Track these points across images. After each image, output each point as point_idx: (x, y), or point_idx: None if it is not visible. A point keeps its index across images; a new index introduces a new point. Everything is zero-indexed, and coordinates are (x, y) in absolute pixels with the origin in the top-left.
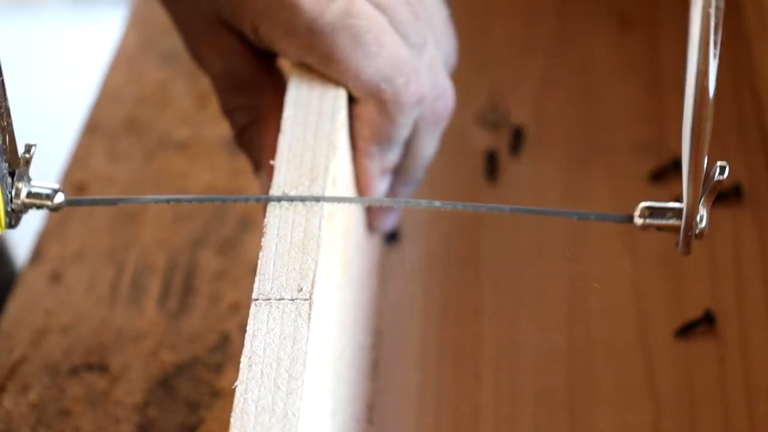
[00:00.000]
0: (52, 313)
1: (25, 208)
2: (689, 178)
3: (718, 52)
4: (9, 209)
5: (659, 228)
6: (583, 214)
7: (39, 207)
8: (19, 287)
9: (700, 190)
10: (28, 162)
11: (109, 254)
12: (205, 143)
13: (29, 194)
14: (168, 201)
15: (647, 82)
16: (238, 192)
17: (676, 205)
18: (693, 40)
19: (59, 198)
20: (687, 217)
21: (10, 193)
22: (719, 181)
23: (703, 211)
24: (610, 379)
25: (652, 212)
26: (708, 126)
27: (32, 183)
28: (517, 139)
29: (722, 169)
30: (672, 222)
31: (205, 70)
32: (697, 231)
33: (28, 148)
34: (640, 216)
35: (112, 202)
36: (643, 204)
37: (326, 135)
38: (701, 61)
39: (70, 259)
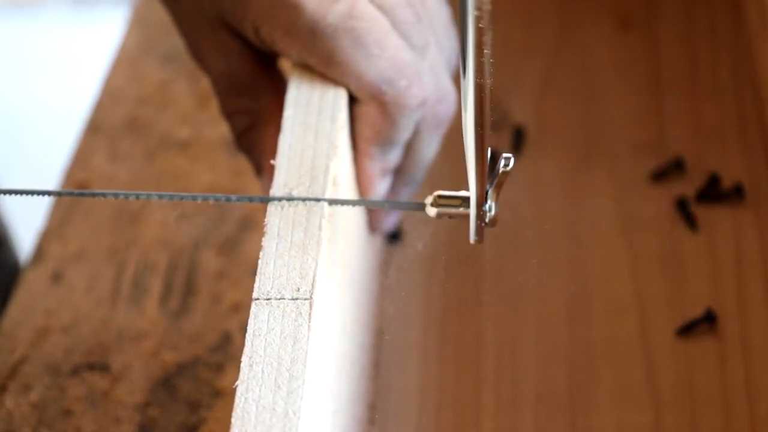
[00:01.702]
0: (53, 313)
1: None
2: (475, 169)
3: (489, 51)
4: None
5: (451, 216)
6: (379, 203)
7: None
8: (20, 287)
9: (487, 180)
10: None
11: (110, 254)
12: (206, 143)
13: None
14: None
15: (647, 82)
16: (240, 191)
17: (464, 193)
18: (468, 42)
19: None
20: (476, 206)
21: None
22: (506, 172)
23: (491, 201)
24: (611, 378)
25: (444, 201)
26: (488, 119)
27: None
28: (517, 140)
29: (507, 159)
30: (462, 211)
31: (206, 71)
32: (487, 220)
33: None
34: (433, 204)
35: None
36: (435, 193)
37: (327, 135)
38: (477, 62)
39: (71, 259)
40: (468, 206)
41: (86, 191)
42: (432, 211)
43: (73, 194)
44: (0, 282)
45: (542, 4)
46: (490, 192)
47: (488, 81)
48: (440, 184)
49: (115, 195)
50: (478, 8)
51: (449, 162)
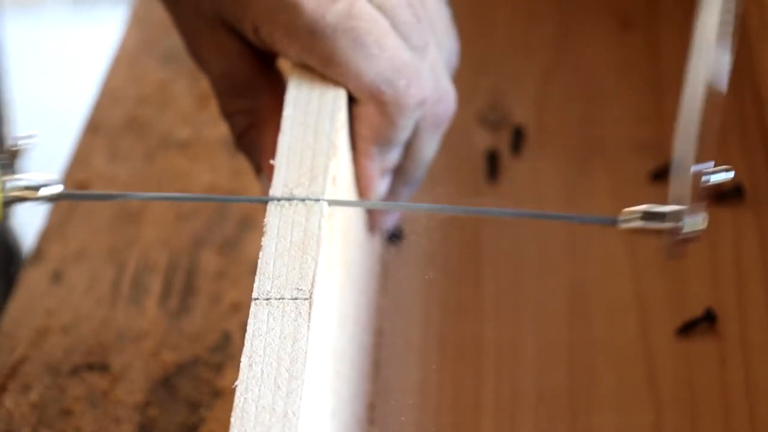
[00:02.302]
0: (53, 313)
1: (16, 200)
2: (682, 181)
3: (728, 59)
4: None
5: (649, 231)
6: (568, 217)
7: (30, 199)
8: (20, 287)
9: (693, 193)
10: (16, 153)
11: (110, 254)
12: (206, 143)
13: (19, 186)
14: (166, 199)
15: (648, 82)
16: (240, 191)
17: (669, 208)
18: (699, 49)
19: (52, 190)
20: (679, 220)
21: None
22: (713, 185)
23: (697, 214)
24: (611, 378)
25: (643, 215)
26: (701, 130)
27: (24, 175)
28: (517, 139)
29: (718, 172)
30: (662, 225)
31: (205, 71)
32: (691, 234)
33: (17, 139)
34: (626, 220)
35: (108, 197)
36: (627, 209)
37: (326, 134)
38: (706, 67)
39: (71, 259)
40: (665, 221)
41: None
42: (625, 227)
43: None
44: (2, 282)
45: (542, 4)
46: (690, 206)
47: (721, 90)
48: (441, 184)
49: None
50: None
51: (450, 161)
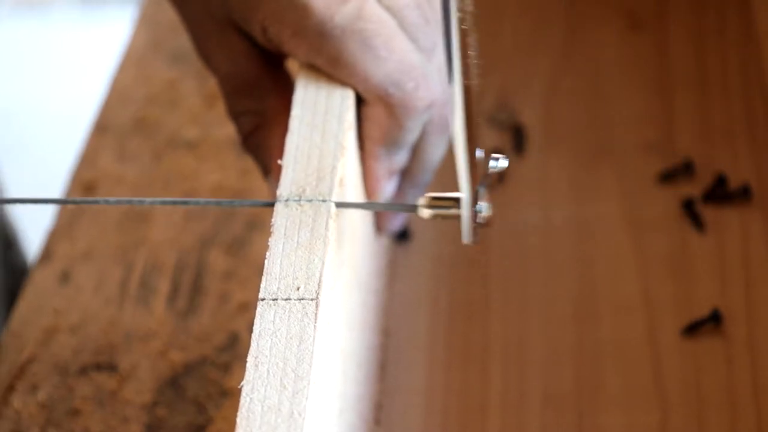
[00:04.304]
0: (61, 313)
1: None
2: (465, 169)
3: (475, 53)
4: None
5: (444, 217)
6: (372, 205)
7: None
8: (29, 287)
9: (477, 180)
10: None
11: (118, 254)
12: (214, 143)
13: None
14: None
15: (656, 82)
16: (247, 191)
17: (456, 195)
18: (453, 44)
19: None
20: (467, 206)
21: None
22: (494, 172)
23: (483, 201)
24: (618, 378)
25: (436, 202)
26: (475, 120)
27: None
28: (519, 139)
29: (497, 159)
30: (454, 212)
31: (213, 71)
32: (479, 220)
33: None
34: (425, 206)
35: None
36: (427, 194)
37: (334, 135)
38: (463, 64)
39: (80, 259)
40: (460, 207)
41: (92, 199)
42: (425, 213)
43: (80, 202)
44: (9, 282)
45: (551, 4)
46: (481, 192)
47: (474, 82)
48: (448, 184)
49: (120, 202)
50: (461, 10)
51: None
